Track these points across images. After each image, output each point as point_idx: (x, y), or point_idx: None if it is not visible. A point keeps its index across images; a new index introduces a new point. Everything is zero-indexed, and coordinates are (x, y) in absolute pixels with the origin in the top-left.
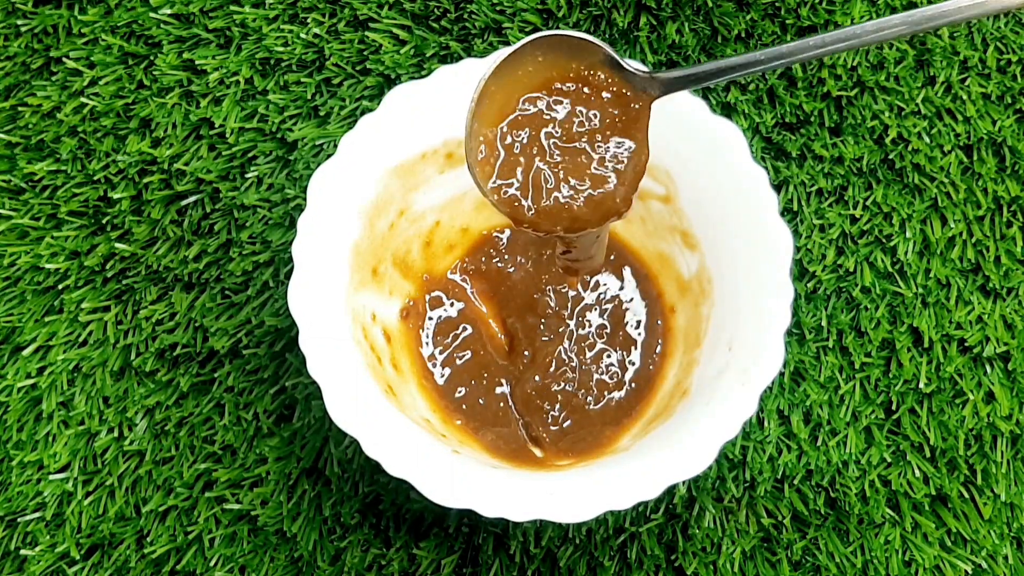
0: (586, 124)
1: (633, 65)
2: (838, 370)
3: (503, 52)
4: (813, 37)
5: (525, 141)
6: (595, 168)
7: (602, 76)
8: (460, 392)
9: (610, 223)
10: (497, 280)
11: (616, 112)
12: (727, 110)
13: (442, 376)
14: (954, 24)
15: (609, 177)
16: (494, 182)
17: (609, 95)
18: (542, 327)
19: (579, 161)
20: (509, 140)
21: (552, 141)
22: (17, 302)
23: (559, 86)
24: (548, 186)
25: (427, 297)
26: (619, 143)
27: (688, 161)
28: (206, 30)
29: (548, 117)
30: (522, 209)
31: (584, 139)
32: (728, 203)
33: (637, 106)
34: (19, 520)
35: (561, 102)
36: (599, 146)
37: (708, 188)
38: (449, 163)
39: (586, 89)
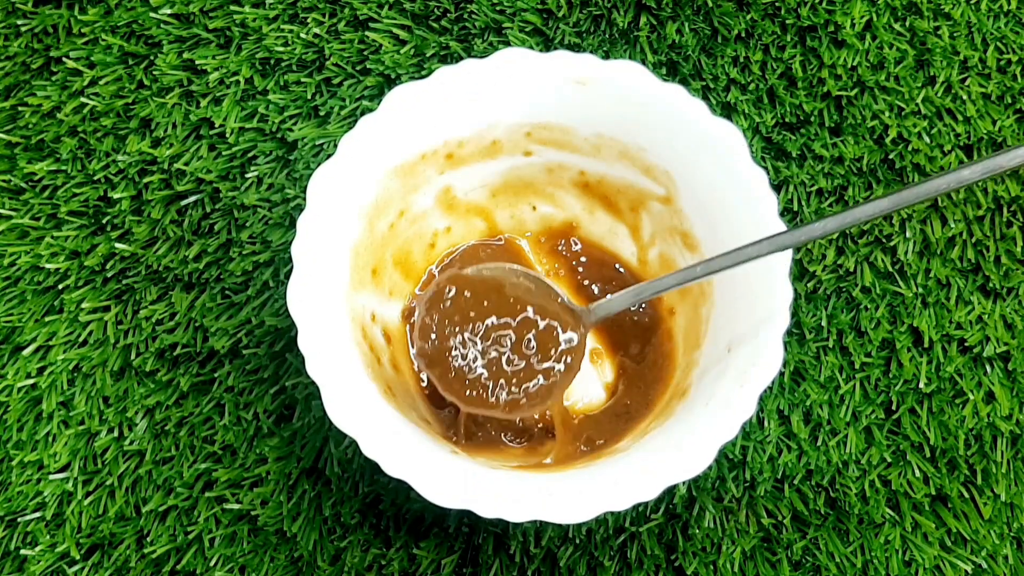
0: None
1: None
2: (838, 370)
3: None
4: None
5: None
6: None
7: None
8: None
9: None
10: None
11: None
12: (727, 110)
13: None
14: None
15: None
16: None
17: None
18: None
19: (518, 373)
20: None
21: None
22: (17, 302)
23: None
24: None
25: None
26: (551, 367)
27: (688, 161)
28: (206, 30)
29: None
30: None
31: (522, 359)
32: (728, 203)
33: (574, 337)
34: (19, 520)
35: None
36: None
37: (708, 189)
38: (449, 164)
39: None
